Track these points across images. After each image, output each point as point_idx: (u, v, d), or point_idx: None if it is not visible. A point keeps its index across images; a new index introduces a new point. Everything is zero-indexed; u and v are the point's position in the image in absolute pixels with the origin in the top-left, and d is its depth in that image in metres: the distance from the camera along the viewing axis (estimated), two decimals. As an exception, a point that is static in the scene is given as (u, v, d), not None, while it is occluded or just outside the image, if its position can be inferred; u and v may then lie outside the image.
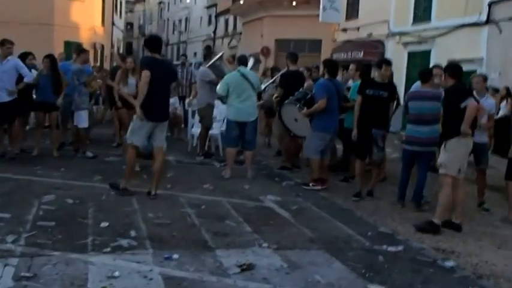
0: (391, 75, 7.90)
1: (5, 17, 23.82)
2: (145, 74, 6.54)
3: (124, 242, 4.99)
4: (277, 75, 9.93)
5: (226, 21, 41.72)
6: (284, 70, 9.78)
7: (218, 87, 8.77)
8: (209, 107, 9.91)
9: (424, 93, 6.97)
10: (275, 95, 9.77)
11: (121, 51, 41.47)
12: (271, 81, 10.43)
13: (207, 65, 9.85)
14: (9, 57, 8.77)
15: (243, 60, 9.13)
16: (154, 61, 6.80)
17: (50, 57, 9.45)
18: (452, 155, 6.10)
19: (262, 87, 10.15)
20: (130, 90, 8.90)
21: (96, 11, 30.72)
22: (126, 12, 53.45)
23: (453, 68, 6.46)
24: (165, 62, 7.41)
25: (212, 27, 45.82)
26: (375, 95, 7.31)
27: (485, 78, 7.44)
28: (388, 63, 7.67)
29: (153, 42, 7.03)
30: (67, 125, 10.28)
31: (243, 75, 8.55)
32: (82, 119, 9.57)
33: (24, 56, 9.63)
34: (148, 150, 7.21)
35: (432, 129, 6.78)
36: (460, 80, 6.29)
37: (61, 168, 8.44)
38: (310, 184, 7.99)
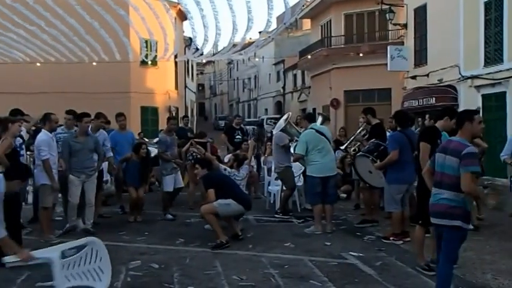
0: None
1: (86, 88, 25.33)
2: (212, 193, 7.82)
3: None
4: (358, 132, 9.83)
5: (295, 76, 42.35)
6: (363, 125, 9.63)
7: (297, 147, 8.88)
8: (288, 169, 9.99)
9: (448, 143, 5.18)
10: (353, 148, 9.71)
11: (194, 112, 42.86)
12: (354, 135, 10.24)
13: (278, 131, 9.94)
14: (100, 130, 9.31)
15: (311, 117, 9.27)
16: (213, 177, 8.29)
17: (145, 148, 10.08)
18: None
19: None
20: None
21: (170, 76, 32.00)
22: (197, 75, 55.33)
23: None
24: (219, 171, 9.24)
25: (281, 83, 46.63)
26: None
27: None
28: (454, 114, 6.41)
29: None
30: (121, 190, 10.73)
31: (318, 132, 8.71)
32: (166, 184, 10.02)
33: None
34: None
35: (444, 196, 5.01)
36: None
37: (145, 232, 8.70)
38: (391, 238, 7.85)
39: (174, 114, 31.24)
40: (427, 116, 9.21)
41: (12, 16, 12.89)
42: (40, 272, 5.96)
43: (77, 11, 12.43)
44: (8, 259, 4.79)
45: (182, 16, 30.07)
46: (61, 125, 9.06)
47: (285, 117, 10.00)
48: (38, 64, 18.68)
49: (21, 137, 8.39)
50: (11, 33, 14.08)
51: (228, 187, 8.14)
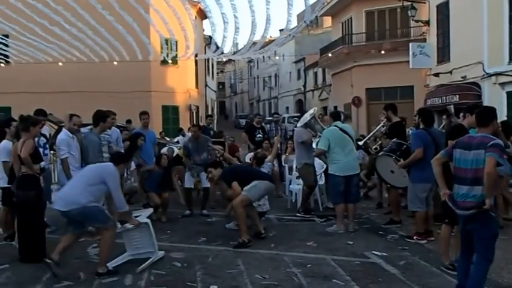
0: None
1: (107, 87, 25.51)
2: (236, 185, 7.85)
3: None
4: (377, 128, 9.76)
5: (315, 74, 42.21)
6: (383, 122, 9.55)
7: (319, 143, 8.83)
8: (307, 167, 9.89)
9: (471, 139, 5.07)
10: (374, 146, 9.65)
11: (215, 110, 42.99)
12: (374, 131, 10.17)
13: (302, 124, 9.92)
14: (113, 128, 9.35)
15: (336, 116, 9.20)
16: (229, 171, 8.49)
17: (165, 158, 10.07)
18: None
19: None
20: None
21: (190, 75, 32.08)
22: (217, 73, 55.46)
23: None
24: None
25: (301, 81, 46.52)
26: None
27: None
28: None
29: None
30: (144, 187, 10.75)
31: (342, 130, 8.65)
32: (186, 180, 10.23)
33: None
34: None
35: (469, 192, 4.97)
36: None
37: (167, 231, 8.71)
38: (415, 237, 7.76)
39: (194, 113, 31.39)
40: (461, 114, 9.01)
41: (32, 15, 13.03)
42: (65, 270, 6.02)
43: (97, 10, 12.51)
44: (128, 226, 6.49)
45: (202, 15, 30.15)
46: (85, 125, 9.04)
47: (310, 111, 9.98)
48: (60, 64, 18.88)
49: (45, 136, 8.46)
50: (33, 34, 14.27)
51: (246, 173, 8.26)
